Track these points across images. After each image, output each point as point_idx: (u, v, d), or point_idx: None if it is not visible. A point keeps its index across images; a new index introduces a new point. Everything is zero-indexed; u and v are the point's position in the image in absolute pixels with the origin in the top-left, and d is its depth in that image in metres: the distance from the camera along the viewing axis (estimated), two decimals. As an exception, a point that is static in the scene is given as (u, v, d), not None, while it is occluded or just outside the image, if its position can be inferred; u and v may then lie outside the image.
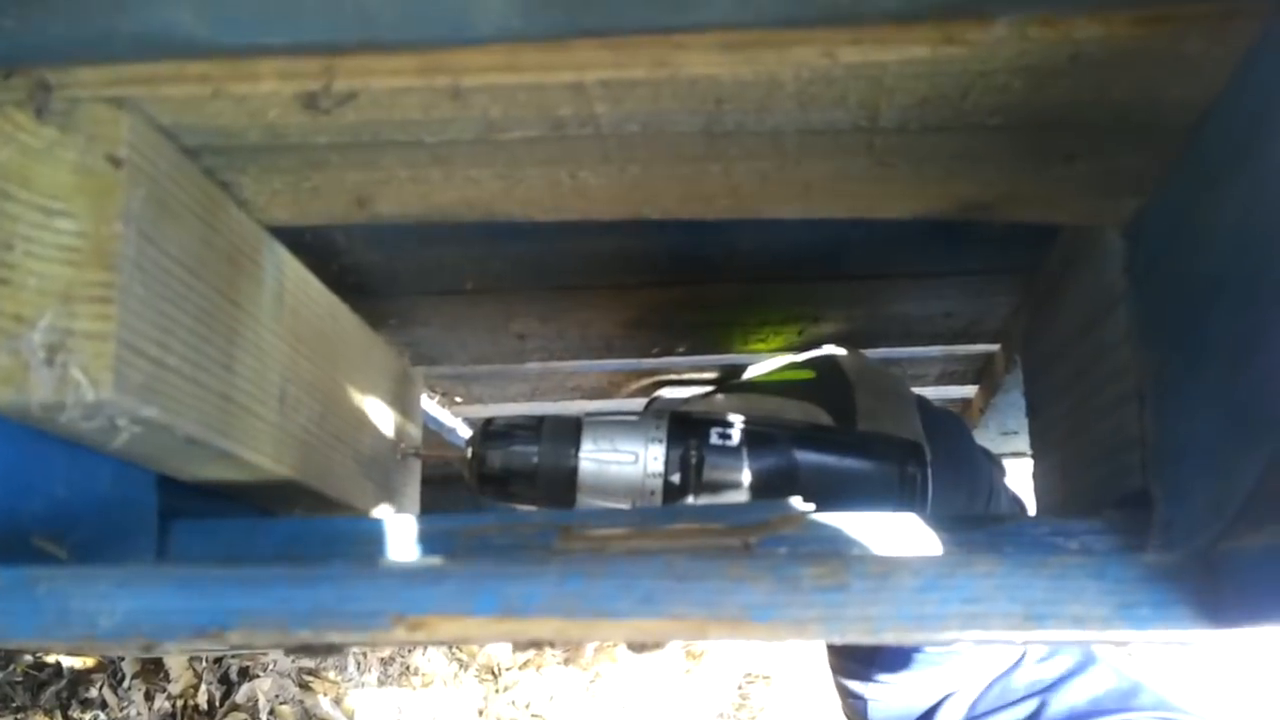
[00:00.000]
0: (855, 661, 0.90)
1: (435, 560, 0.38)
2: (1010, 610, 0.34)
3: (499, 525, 0.56)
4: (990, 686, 0.84)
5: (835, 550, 0.40)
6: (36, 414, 0.42)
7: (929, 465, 0.72)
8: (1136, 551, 0.35)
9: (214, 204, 0.50)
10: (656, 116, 0.44)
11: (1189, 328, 0.44)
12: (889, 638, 0.35)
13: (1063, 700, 0.81)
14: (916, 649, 0.83)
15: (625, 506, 0.70)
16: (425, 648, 2.63)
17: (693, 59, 0.41)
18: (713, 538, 0.49)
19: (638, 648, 0.40)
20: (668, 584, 0.36)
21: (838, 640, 0.36)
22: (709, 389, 0.97)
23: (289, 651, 0.45)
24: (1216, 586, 0.34)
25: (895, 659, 0.85)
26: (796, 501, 0.52)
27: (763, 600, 0.35)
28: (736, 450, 0.70)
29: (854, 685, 0.91)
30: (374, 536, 0.55)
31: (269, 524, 0.59)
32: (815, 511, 0.51)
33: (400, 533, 0.55)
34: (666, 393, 1.02)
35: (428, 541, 0.55)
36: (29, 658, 2.08)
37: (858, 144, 0.46)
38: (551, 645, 0.39)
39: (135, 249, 0.43)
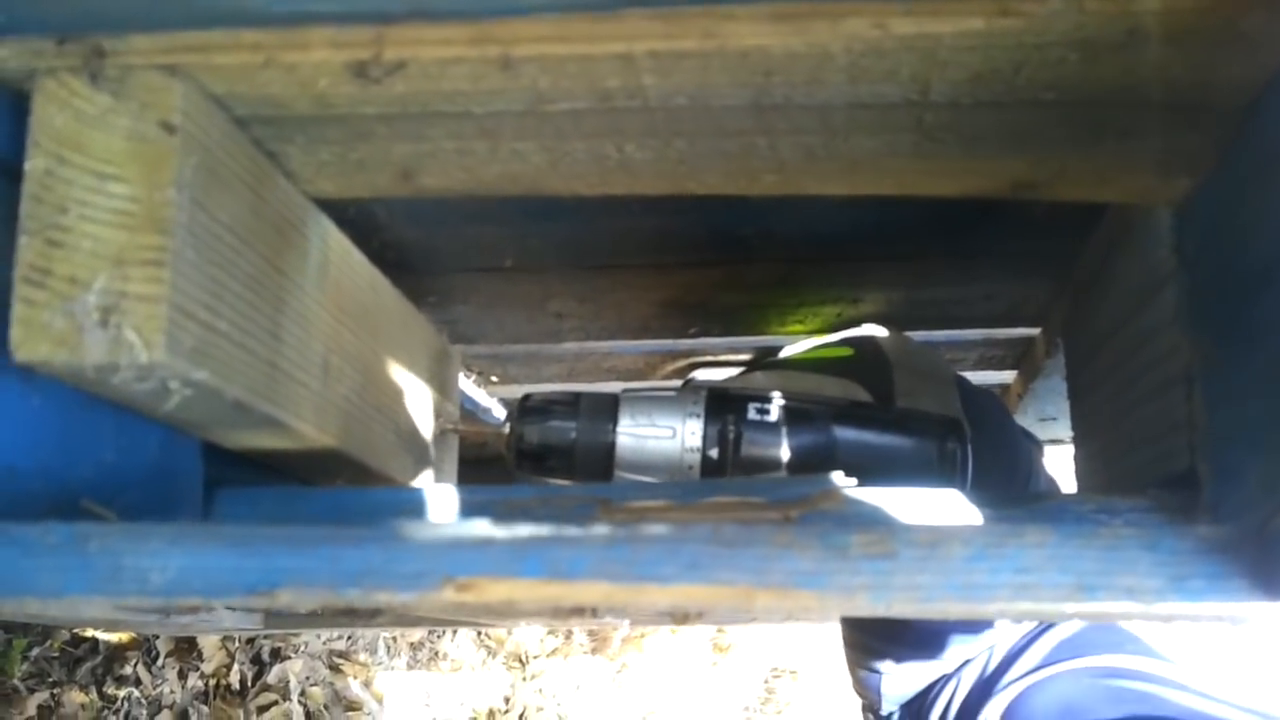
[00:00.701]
0: (879, 639, 0.90)
1: (483, 523, 0.39)
2: (1061, 581, 0.33)
3: (539, 498, 0.56)
4: (1006, 654, 0.84)
5: (882, 520, 0.40)
6: (90, 375, 0.42)
7: (969, 442, 0.72)
8: (1189, 525, 0.35)
9: (263, 174, 0.50)
10: (704, 89, 0.44)
11: (1239, 311, 0.43)
12: (938, 608, 0.34)
13: (1026, 660, 0.81)
14: (951, 628, 0.83)
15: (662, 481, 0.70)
16: (455, 633, 2.65)
17: (743, 30, 0.41)
18: (753, 511, 0.49)
19: (680, 618, 0.40)
20: (714, 550, 0.36)
21: (884, 611, 0.36)
22: (745, 370, 0.97)
23: (334, 615, 0.46)
24: (1270, 560, 0.34)
25: (926, 638, 0.85)
26: (838, 477, 0.52)
27: (810, 567, 0.35)
28: (775, 426, 0.70)
29: (872, 661, 0.91)
30: (415, 506, 0.56)
31: (311, 492, 0.60)
32: (856, 487, 0.51)
33: (441, 502, 0.55)
34: (701, 374, 1.02)
35: (468, 511, 0.55)
36: (66, 634, 2.10)
37: (907, 120, 0.45)
38: (595, 613, 0.39)
39: (187, 215, 0.43)
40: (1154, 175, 0.47)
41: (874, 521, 0.42)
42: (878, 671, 0.90)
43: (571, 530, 0.38)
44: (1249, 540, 0.35)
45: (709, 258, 0.80)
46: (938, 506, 0.46)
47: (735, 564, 0.36)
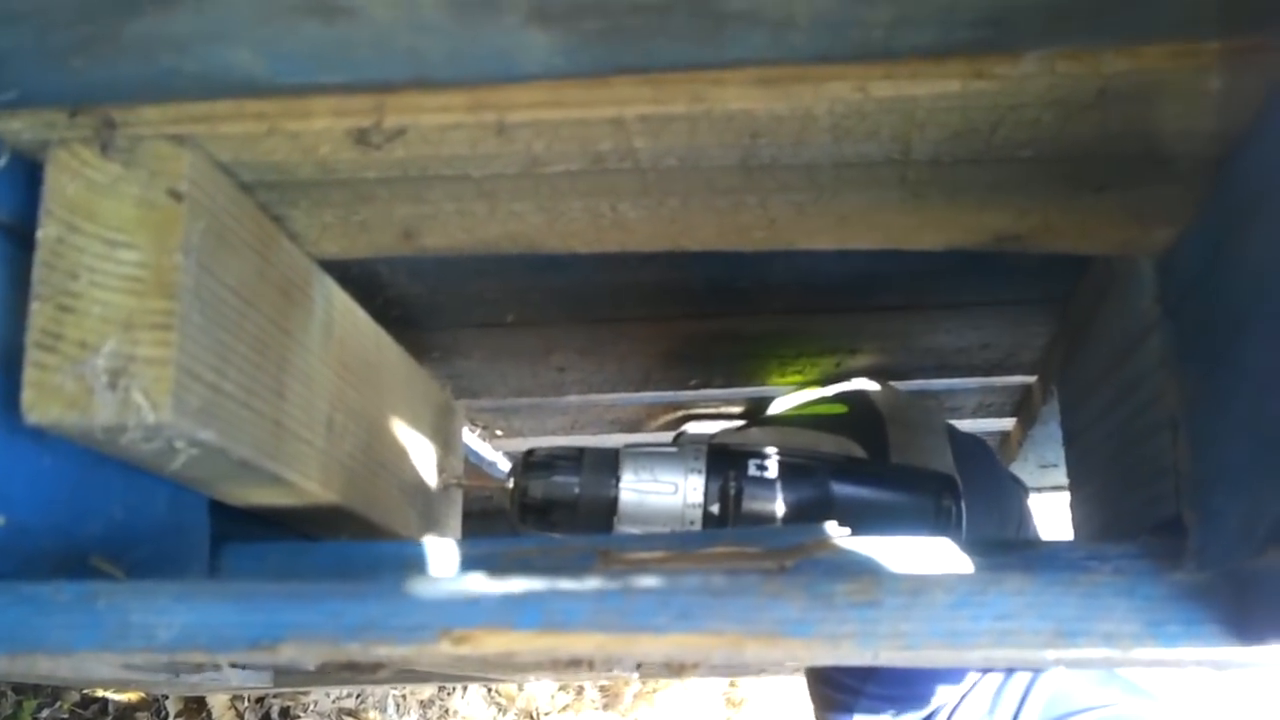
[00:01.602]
0: (852, 678, 0.90)
1: (480, 576, 0.39)
2: (1041, 627, 0.34)
3: (539, 548, 0.57)
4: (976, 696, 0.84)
5: (869, 569, 0.41)
6: (99, 436, 0.43)
7: (962, 497, 0.73)
8: (1168, 571, 0.36)
9: (268, 237, 0.52)
10: (694, 150, 0.46)
11: (1221, 357, 0.44)
12: (922, 654, 0.35)
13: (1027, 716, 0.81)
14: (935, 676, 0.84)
15: (663, 535, 0.71)
16: (465, 690, 2.63)
17: (729, 94, 0.43)
18: (749, 560, 0.50)
19: (676, 669, 0.41)
20: (704, 600, 0.37)
21: (870, 659, 0.37)
22: (737, 423, 0.98)
23: (338, 671, 0.47)
24: (1245, 604, 0.34)
25: (901, 678, 0.85)
26: (831, 526, 0.53)
27: (797, 616, 0.36)
28: (774, 482, 0.71)
29: (841, 709, 0.91)
30: (417, 559, 0.56)
31: (316, 547, 0.61)
32: (849, 536, 0.52)
33: (443, 555, 0.56)
34: (693, 427, 1.04)
35: (470, 564, 0.56)
36: (76, 695, 2.10)
37: (891, 176, 0.47)
38: (591, 664, 0.40)
39: (194, 279, 0.45)
40: (1134, 227, 0.48)
41: (862, 570, 0.43)
42: (849, 713, 0.90)
43: (566, 582, 0.39)
44: (1225, 584, 0.35)
45: (708, 310, 0.81)
46: (929, 555, 0.46)
47: (724, 613, 0.37)
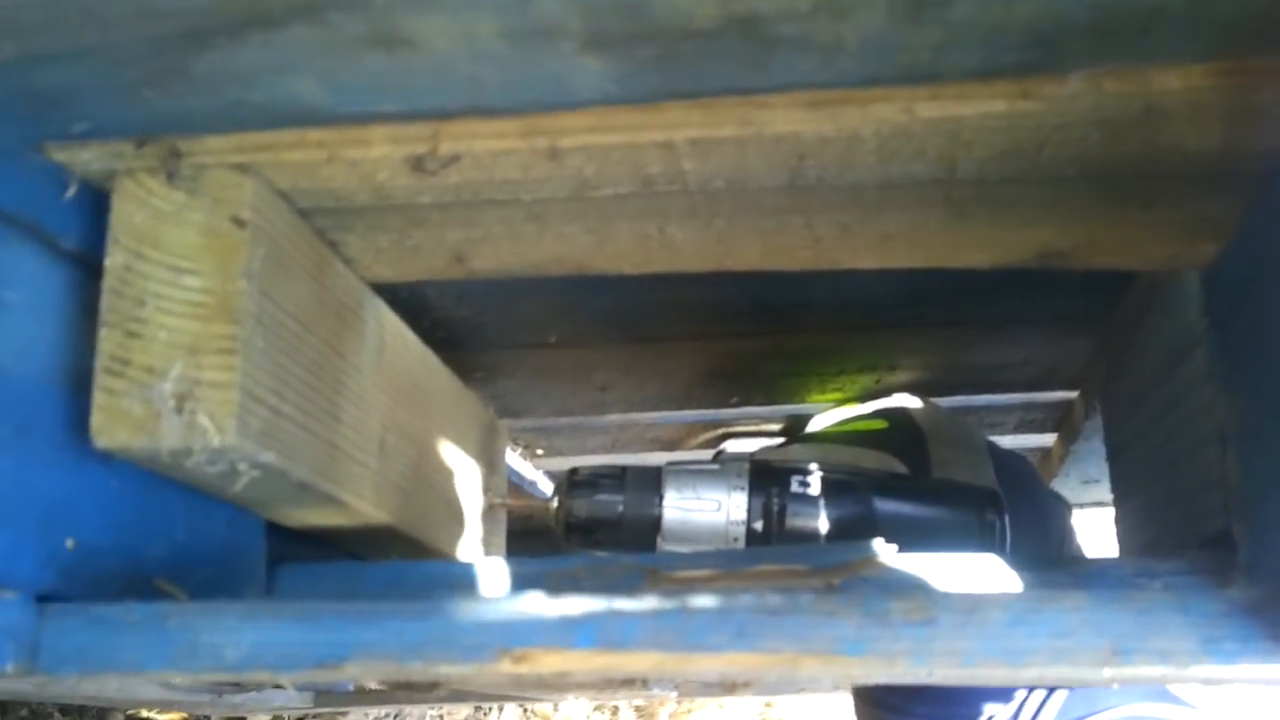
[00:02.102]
0: (900, 697, 0.90)
1: (538, 596, 0.40)
2: (1097, 645, 0.35)
3: (587, 568, 0.58)
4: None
5: (923, 587, 0.41)
6: (165, 459, 0.44)
7: (1006, 513, 0.73)
8: (1221, 587, 0.36)
9: (324, 262, 0.53)
10: (741, 173, 0.46)
11: (1269, 369, 0.45)
12: (977, 672, 0.36)
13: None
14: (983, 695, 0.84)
15: (708, 553, 0.72)
16: (501, 710, 2.63)
17: (777, 117, 0.43)
18: (796, 579, 0.51)
19: (729, 687, 0.41)
20: (760, 619, 0.38)
21: (924, 677, 0.38)
22: (777, 440, 0.98)
23: (393, 690, 0.47)
24: (1303, 620, 0.35)
25: (951, 694, 0.85)
26: (879, 543, 0.53)
27: (853, 634, 0.37)
28: (817, 498, 0.72)
29: None
30: (468, 579, 0.57)
31: (369, 568, 0.61)
32: (897, 554, 0.52)
33: (494, 575, 0.57)
34: (732, 445, 1.04)
35: (520, 583, 0.57)
36: (120, 716, 2.12)
37: (936, 195, 0.47)
38: (645, 683, 0.41)
39: (256, 304, 0.46)
40: (1179, 242, 0.49)
41: (914, 588, 0.43)
42: None
43: (622, 602, 0.40)
44: (1281, 600, 0.36)
45: (751, 328, 0.82)
46: (978, 572, 0.47)
47: (781, 632, 0.38)
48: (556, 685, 0.42)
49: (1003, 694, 0.84)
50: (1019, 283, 0.72)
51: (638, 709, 2.73)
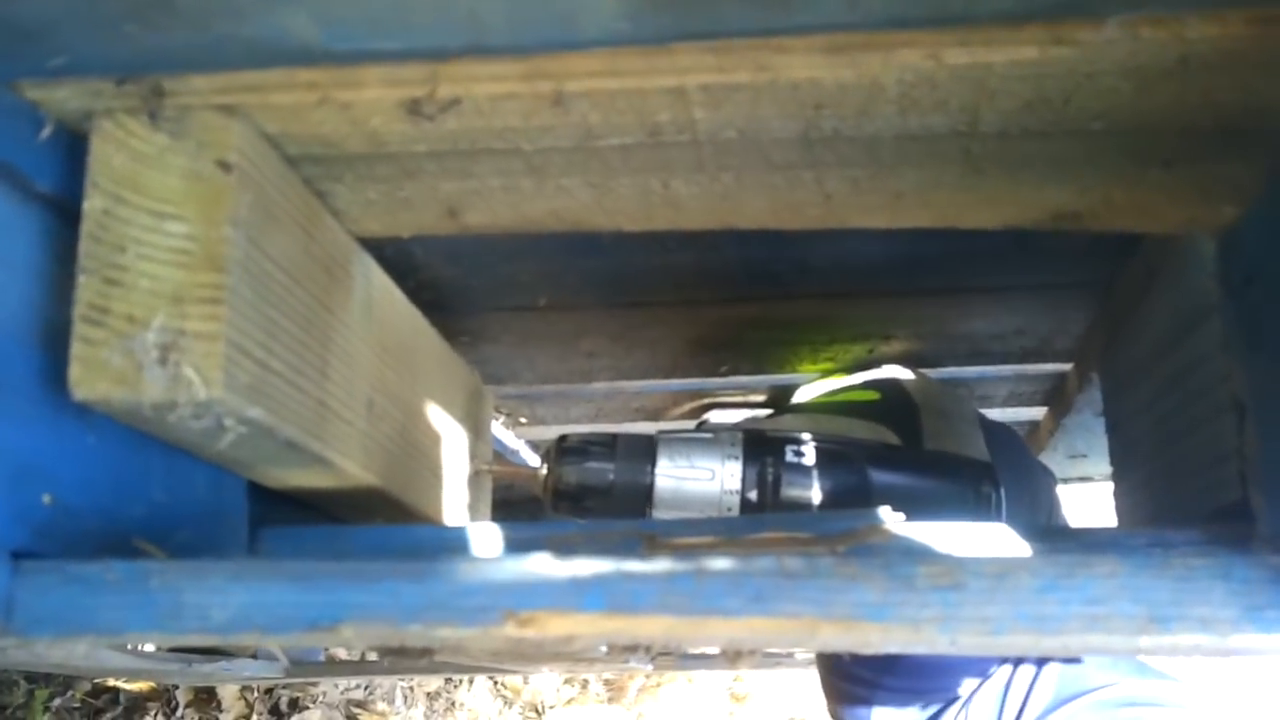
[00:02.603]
0: (870, 670, 0.89)
1: (545, 558, 0.38)
2: (1134, 612, 0.33)
3: (583, 534, 0.56)
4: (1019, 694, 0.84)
5: (949, 552, 0.40)
6: (147, 413, 0.42)
7: (1001, 484, 0.72)
8: (1264, 554, 0.35)
9: (312, 213, 0.51)
10: (754, 123, 0.45)
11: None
12: (1006, 641, 0.34)
13: (1037, 699, 0.80)
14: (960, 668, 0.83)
15: (701, 522, 0.70)
16: (471, 683, 2.63)
17: (795, 62, 0.41)
18: (799, 546, 0.49)
19: (732, 657, 0.39)
20: (778, 582, 0.36)
21: (948, 646, 0.36)
22: (763, 412, 0.97)
23: (389, 653, 0.46)
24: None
25: (922, 668, 0.85)
26: (884, 511, 0.52)
27: (877, 599, 0.35)
28: (811, 468, 0.70)
29: (859, 702, 0.90)
30: (459, 543, 0.55)
31: (356, 531, 0.59)
32: (903, 522, 0.51)
33: (485, 540, 0.55)
34: (715, 416, 1.03)
35: (514, 547, 0.55)
36: (87, 684, 2.09)
37: (953, 150, 0.46)
38: (654, 650, 0.39)
39: (243, 252, 0.43)
40: (1199, 204, 0.47)
41: (939, 553, 0.41)
42: (867, 705, 0.89)
43: (633, 564, 0.38)
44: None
45: (743, 294, 0.80)
46: (982, 541, 0.45)
47: (800, 596, 0.36)
48: (560, 651, 0.40)
49: (980, 667, 0.83)
50: (1019, 249, 0.70)
51: (607, 683, 2.73)
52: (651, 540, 0.54)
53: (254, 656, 1.35)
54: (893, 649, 0.37)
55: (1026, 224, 0.51)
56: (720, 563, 0.37)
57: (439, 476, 0.70)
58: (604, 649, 0.49)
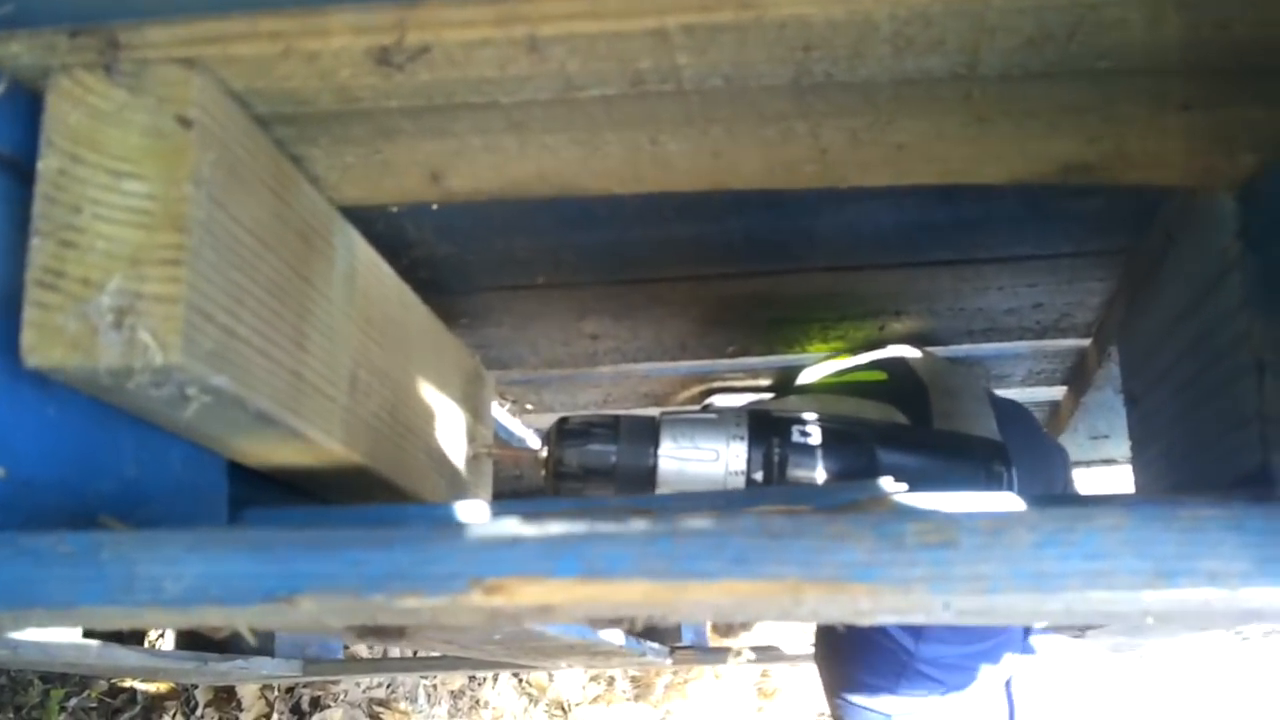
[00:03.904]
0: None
1: (514, 521, 0.36)
2: (1138, 567, 0.31)
3: (576, 511, 0.54)
4: None
5: (940, 510, 0.37)
6: (104, 380, 0.40)
7: (1012, 464, 0.70)
8: (1277, 503, 0.32)
9: (286, 178, 0.49)
10: (741, 68, 0.42)
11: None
12: (1003, 600, 0.32)
13: None
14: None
15: (705, 502, 0.68)
16: (495, 680, 2.61)
17: None
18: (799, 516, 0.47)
19: (724, 630, 0.37)
20: (761, 542, 0.34)
21: (942, 609, 0.34)
22: (767, 394, 0.95)
23: (358, 632, 0.44)
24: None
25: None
26: (886, 482, 0.49)
27: (864, 559, 0.33)
28: (818, 449, 0.68)
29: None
30: (445, 519, 0.53)
31: (339, 510, 0.58)
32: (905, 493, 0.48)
33: (474, 518, 0.53)
34: (719, 400, 1.01)
35: (503, 527, 0.53)
36: (104, 684, 2.09)
37: (955, 96, 0.43)
38: (635, 619, 0.37)
39: (206, 213, 0.42)
40: (1217, 153, 0.45)
41: (919, 512, 0.39)
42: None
43: (608, 526, 0.36)
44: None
45: (748, 268, 0.77)
46: (990, 508, 0.43)
47: (783, 557, 0.34)
48: (539, 619, 0.38)
49: (993, 654, 0.81)
50: (1034, 216, 0.68)
51: (634, 680, 2.71)
52: (648, 515, 0.52)
53: (271, 655, 1.33)
54: (883, 614, 0.34)
55: (1035, 178, 0.49)
56: (699, 523, 0.35)
57: (434, 459, 0.68)
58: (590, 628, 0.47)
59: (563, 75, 0.43)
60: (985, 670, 0.86)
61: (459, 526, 0.38)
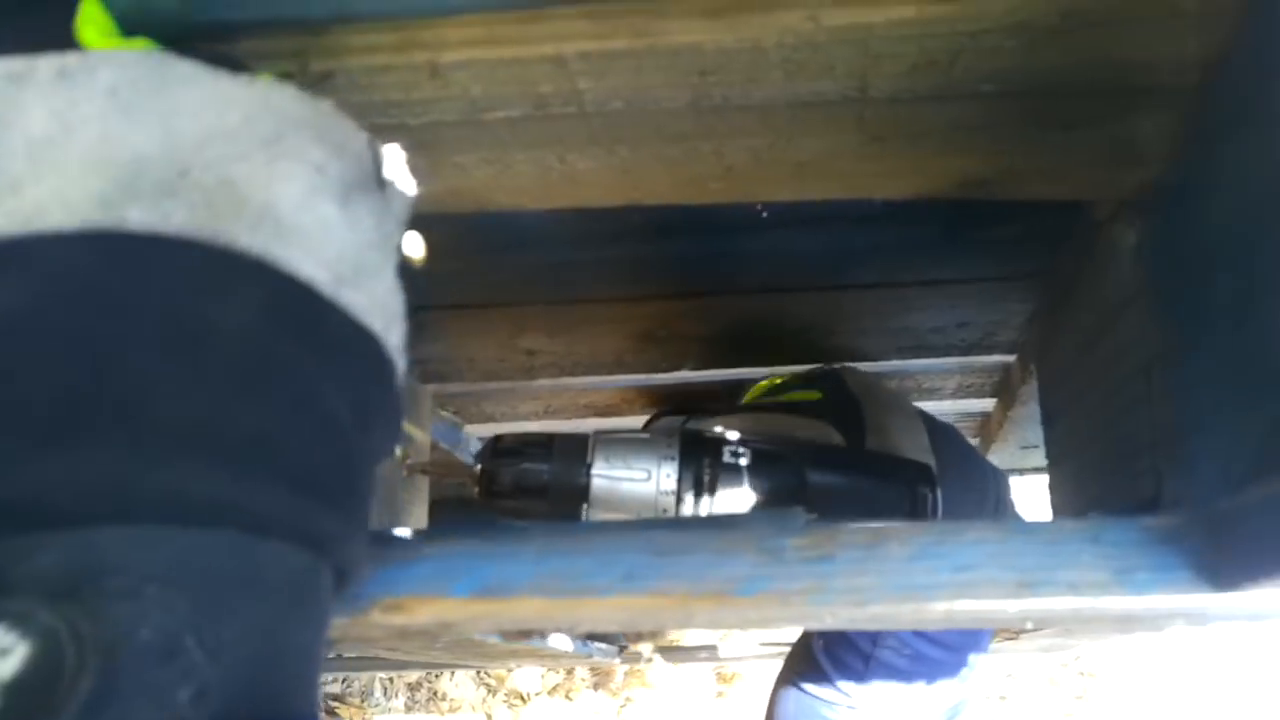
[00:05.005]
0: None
1: (414, 541, 0.37)
2: (1003, 578, 0.32)
3: (476, 530, 0.55)
4: None
5: (821, 525, 0.38)
6: None
7: (939, 486, 0.71)
8: (1136, 516, 0.34)
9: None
10: (641, 92, 0.43)
11: (1195, 300, 0.42)
12: (878, 610, 0.33)
13: None
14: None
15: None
16: (453, 672, 2.61)
17: (673, 27, 0.40)
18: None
19: (633, 637, 0.38)
20: (648, 559, 0.35)
21: (820, 618, 0.35)
22: (714, 409, 0.96)
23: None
24: (1217, 548, 0.32)
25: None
26: (800, 512, 0.51)
27: (747, 573, 0.34)
28: (748, 469, 0.69)
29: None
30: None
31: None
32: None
33: (377, 540, 0.54)
34: (666, 416, 1.02)
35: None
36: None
37: (849, 117, 0.44)
38: (534, 632, 0.38)
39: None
40: (1106, 167, 0.46)
41: (817, 525, 0.40)
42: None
43: (503, 545, 0.36)
44: (1196, 527, 0.33)
45: (681, 289, 0.78)
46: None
47: (671, 572, 0.35)
48: (441, 635, 0.39)
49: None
50: (954, 242, 0.69)
51: (593, 668, 2.71)
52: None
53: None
54: (772, 624, 0.35)
55: (936, 193, 0.50)
56: (591, 541, 0.36)
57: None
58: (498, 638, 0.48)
59: (467, 99, 0.44)
60: (974, 658, 0.88)
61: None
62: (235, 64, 0.35)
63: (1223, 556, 0.32)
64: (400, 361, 0.37)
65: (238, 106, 0.33)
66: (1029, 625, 0.34)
